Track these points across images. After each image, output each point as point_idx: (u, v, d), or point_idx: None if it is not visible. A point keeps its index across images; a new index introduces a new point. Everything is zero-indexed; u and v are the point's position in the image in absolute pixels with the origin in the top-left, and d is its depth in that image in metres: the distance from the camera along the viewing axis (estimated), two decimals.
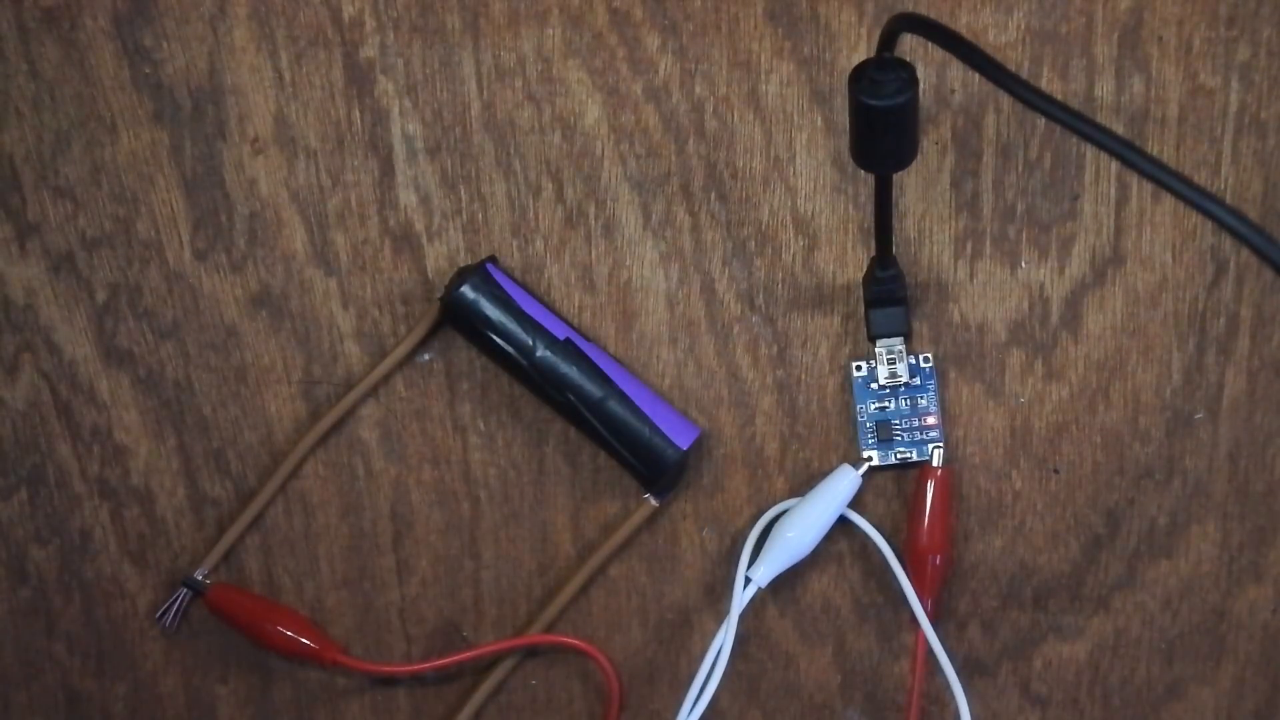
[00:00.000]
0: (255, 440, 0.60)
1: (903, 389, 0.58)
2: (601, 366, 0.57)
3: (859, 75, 0.46)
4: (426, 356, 0.59)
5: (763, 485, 0.59)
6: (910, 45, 0.55)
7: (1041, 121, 0.56)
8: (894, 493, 0.58)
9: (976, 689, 0.59)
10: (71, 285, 0.59)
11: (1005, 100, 0.56)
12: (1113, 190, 0.56)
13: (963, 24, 0.56)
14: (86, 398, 0.60)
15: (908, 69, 0.45)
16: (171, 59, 0.57)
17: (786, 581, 0.58)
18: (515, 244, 0.58)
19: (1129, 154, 0.38)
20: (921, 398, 0.58)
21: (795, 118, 0.57)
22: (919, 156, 0.56)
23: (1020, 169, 0.56)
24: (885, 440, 0.58)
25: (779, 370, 0.58)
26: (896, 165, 0.49)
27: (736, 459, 0.59)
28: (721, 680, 0.57)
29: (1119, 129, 0.56)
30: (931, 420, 0.58)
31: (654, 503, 0.58)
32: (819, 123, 0.57)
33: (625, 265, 0.58)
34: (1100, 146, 0.39)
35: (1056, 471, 0.58)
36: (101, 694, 0.62)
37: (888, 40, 0.44)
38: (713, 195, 0.57)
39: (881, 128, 0.46)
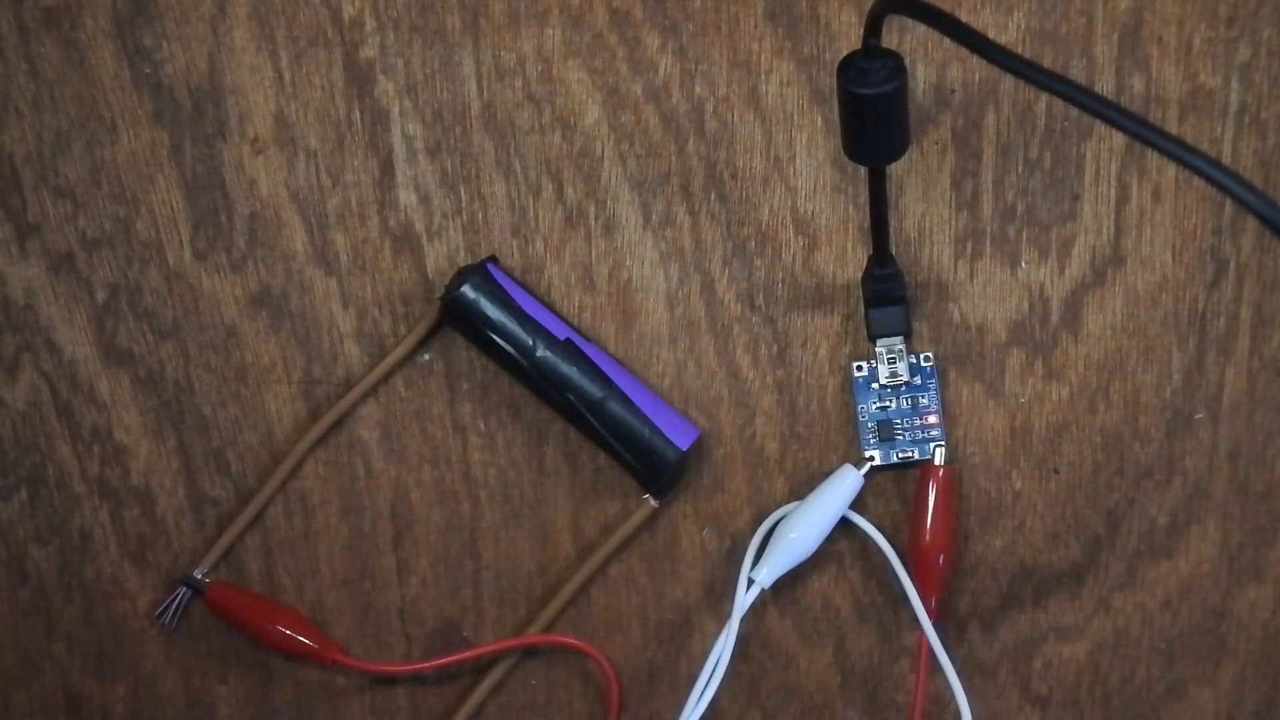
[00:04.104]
0: (255, 440, 0.60)
1: (903, 388, 0.58)
2: (601, 367, 0.57)
3: (846, 65, 0.46)
4: (426, 356, 0.59)
5: (763, 485, 0.59)
6: (910, 45, 0.55)
7: (1042, 121, 0.56)
8: (894, 493, 0.58)
9: (977, 689, 0.59)
10: (71, 285, 0.59)
11: (1005, 100, 0.56)
12: (1113, 190, 0.56)
13: None
14: (86, 398, 0.60)
15: (895, 58, 0.45)
16: (171, 59, 0.57)
17: (787, 582, 0.58)
18: (515, 244, 0.58)
19: (1125, 120, 0.37)
20: (922, 397, 0.57)
21: (795, 118, 0.57)
22: (919, 157, 0.56)
23: (1020, 169, 0.56)
24: (887, 440, 0.58)
25: (779, 370, 0.58)
26: (888, 157, 0.49)
27: (736, 459, 0.59)
28: (722, 681, 0.57)
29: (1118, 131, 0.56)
30: (933, 419, 0.58)
31: (654, 503, 0.58)
32: (819, 123, 0.57)
33: (625, 265, 0.58)
34: (1094, 113, 0.38)
35: (1056, 471, 0.58)
36: (101, 694, 0.62)
37: (874, 25, 0.44)
38: (713, 195, 0.57)
39: (870, 117, 0.46)
